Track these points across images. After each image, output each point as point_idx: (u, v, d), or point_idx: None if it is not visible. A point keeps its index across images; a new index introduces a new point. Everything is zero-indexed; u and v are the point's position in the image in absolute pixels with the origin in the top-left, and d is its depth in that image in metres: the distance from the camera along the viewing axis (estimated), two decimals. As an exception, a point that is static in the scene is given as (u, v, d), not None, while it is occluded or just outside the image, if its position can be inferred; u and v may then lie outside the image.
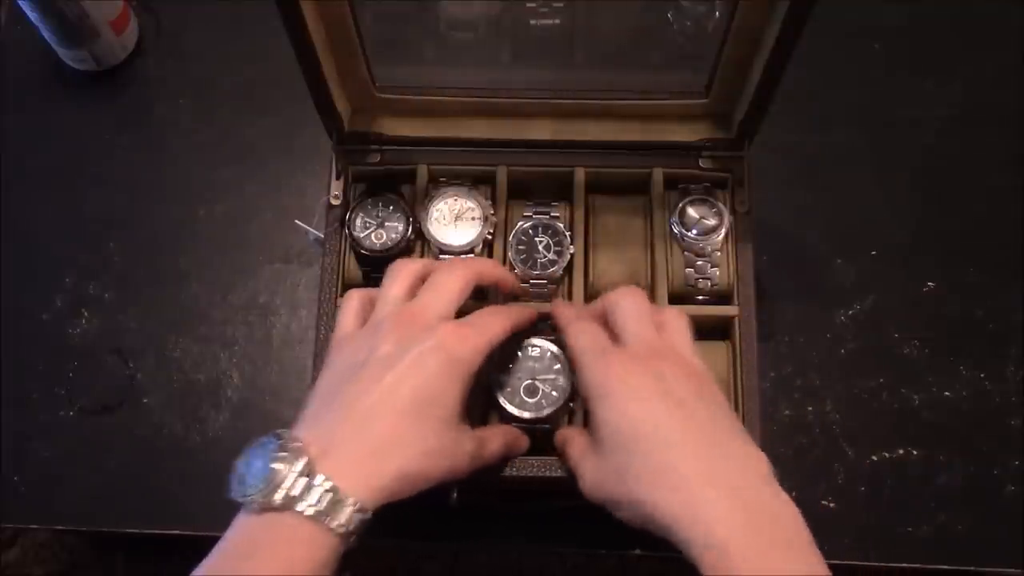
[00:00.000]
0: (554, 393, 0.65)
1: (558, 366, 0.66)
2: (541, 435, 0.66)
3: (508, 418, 0.65)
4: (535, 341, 0.66)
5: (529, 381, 0.66)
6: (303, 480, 0.50)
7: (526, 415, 0.65)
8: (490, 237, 0.70)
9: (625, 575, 0.74)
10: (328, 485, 0.50)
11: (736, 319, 0.69)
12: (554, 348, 0.66)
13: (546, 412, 0.65)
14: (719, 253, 0.70)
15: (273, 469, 0.50)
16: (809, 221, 0.82)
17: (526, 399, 0.65)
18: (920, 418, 0.76)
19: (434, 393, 0.55)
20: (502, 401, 0.65)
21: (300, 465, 0.50)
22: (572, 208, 0.72)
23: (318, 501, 0.50)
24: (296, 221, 0.80)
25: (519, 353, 0.66)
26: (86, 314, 0.80)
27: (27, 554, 0.75)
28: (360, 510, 0.51)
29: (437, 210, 0.71)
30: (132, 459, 0.76)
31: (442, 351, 0.56)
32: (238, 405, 0.77)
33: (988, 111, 0.85)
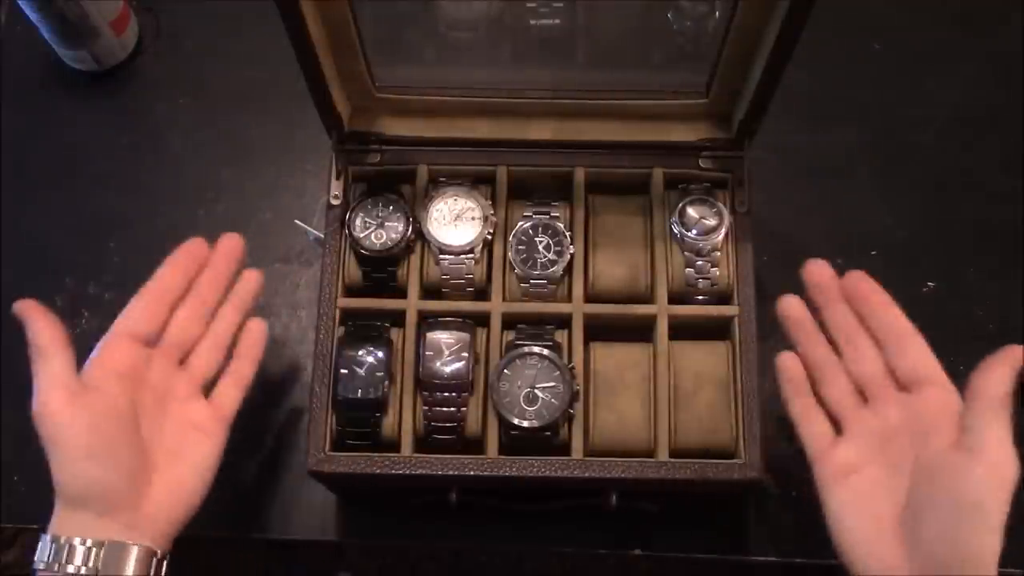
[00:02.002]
0: (554, 401, 0.65)
1: (557, 373, 0.66)
2: (542, 441, 0.66)
3: (508, 427, 0.65)
4: (534, 349, 0.66)
5: (528, 390, 0.66)
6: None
7: (526, 424, 0.65)
8: (490, 237, 0.70)
9: (625, 575, 0.74)
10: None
11: (736, 319, 0.69)
12: (552, 356, 0.66)
13: (547, 420, 0.65)
14: (719, 253, 0.70)
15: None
16: (809, 221, 0.82)
17: (526, 408, 0.65)
18: (920, 418, 0.76)
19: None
20: (502, 411, 0.65)
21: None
22: (572, 208, 0.72)
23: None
24: (296, 221, 0.80)
25: (517, 362, 0.66)
26: (86, 314, 0.80)
27: (27, 554, 0.75)
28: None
29: (437, 210, 0.71)
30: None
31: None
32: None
33: (988, 111, 0.85)
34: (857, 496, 0.57)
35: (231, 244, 0.68)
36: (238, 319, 0.67)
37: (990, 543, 0.50)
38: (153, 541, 0.58)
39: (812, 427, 0.61)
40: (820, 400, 0.62)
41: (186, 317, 0.65)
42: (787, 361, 0.63)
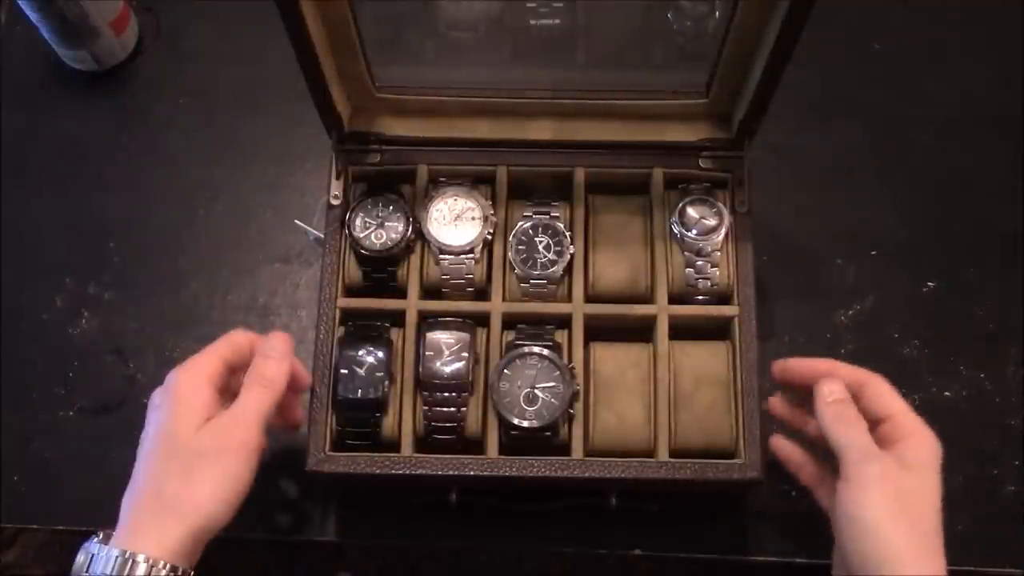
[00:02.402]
0: (554, 401, 0.65)
1: (557, 373, 0.66)
2: (542, 441, 0.66)
3: (508, 427, 0.65)
4: (534, 349, 0.66)
5: (528, 390, 0.66)
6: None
7: (526, 424, 0.65)
8: (490, 237, 0.70)
9: (625, 575, 0.74)
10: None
11: (736, 319, 0.69)
12: (552, 356, 0.66)
13: (547, 420, 0.65)
14: (719, 253, 0.70)
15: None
16: (809, 221, 0.82)
17: (526, 408, 0.65)
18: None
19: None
20: (502, 411, 0.65)
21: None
22: (572, 208, 0.72)
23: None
24: (296, 221, 0.80)
25: (517, 362, 0.66)
26: (86, 314, 0.80)
27: (27, 554, 0.75)
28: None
29: (437, 210, 0.71)
30: (132, 459, 0.76)
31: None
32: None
33: (988, 111, 0.85)
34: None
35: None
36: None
37: (891, 554, 0.54)
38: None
39: (824, 488, 0.64)
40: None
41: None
42: (779, 445, 0.68)
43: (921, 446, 0.59)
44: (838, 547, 0.59)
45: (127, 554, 0.55)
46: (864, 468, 0.57)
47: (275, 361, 0.62)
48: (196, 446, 0.58)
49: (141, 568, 0.54)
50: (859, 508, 0.56)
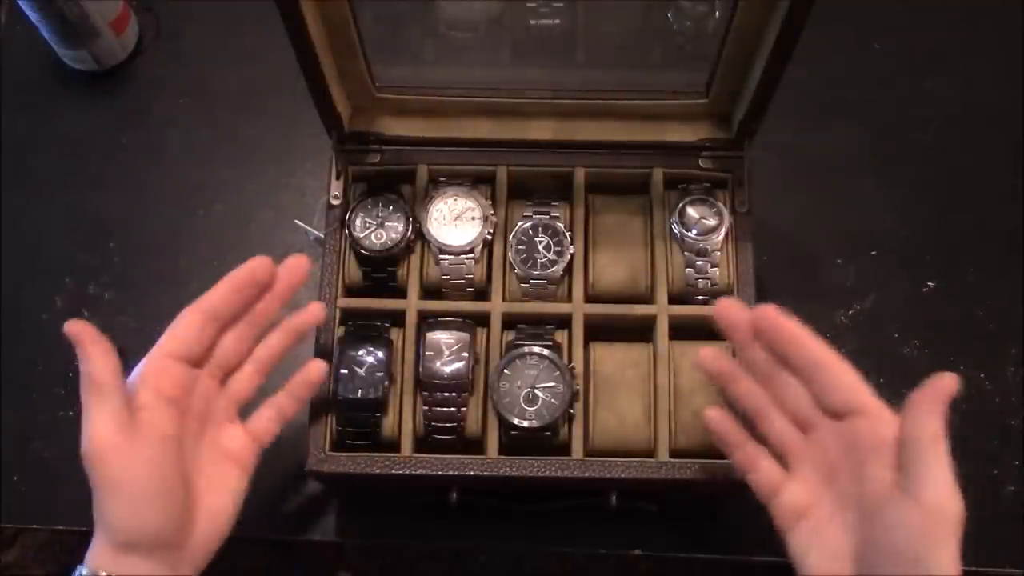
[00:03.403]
0: (554, 401, 0.65)
1: (557, 373, 0.66)
2: (541, 441, 0.66)
3: (508, 427, 0.65)
4: (534, 349, 0.66)
5: (528, 390, 0.66)
6: None
7: (526, 424, 0.65)
8: (490, 237, 0.70)
9: (625, 575, 0.74)
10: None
11: (736, 319, 0.69)
12: (552, 356, 0.66)
13: (547, 420, 0.65)
14: (719, 253, 0.70)
15: None
16: (809, 221, 0.82)
17: (526, 408, 0.65)
18: (920, 418, 0.76)
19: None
20: (502, 411, 0.65)
21: None
22: (572, 208, 0.72)
23: None
24: (296, 221, 0.80)
25: (517, 362, 0.66)
26: (86, 314, 0.80)
27: (27, 554, 0.75)
28: None
29: (437, 210, 0.71)
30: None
31: None
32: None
33: (988, 111, 0.85)
34: (814, 536, 0.54)
35: (298, 270, 0.62)
36: (287, 346, 0.63)
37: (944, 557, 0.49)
38: (195, 572, 0.56)
39: (758, 474, 0.57)
40: (763, 439, 0.58)
41: (236, 339, 0.61)
42: (714, 417, 0.60)
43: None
44: (869, 564, 0.52)
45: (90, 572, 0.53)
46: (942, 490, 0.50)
47: (80, 356, 0.57)
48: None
49: None
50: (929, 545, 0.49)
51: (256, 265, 0.61)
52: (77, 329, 0.56)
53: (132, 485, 0.54)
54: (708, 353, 0.60)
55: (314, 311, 0.63)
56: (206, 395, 0.60)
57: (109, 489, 0.54)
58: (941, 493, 0.50)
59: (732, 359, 0.61)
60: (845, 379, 0.55)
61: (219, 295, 0.60)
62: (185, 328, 0.59)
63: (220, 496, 0.58)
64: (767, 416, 0.58)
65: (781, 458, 0.58)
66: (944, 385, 0.53)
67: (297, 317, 0.63)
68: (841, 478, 0.54)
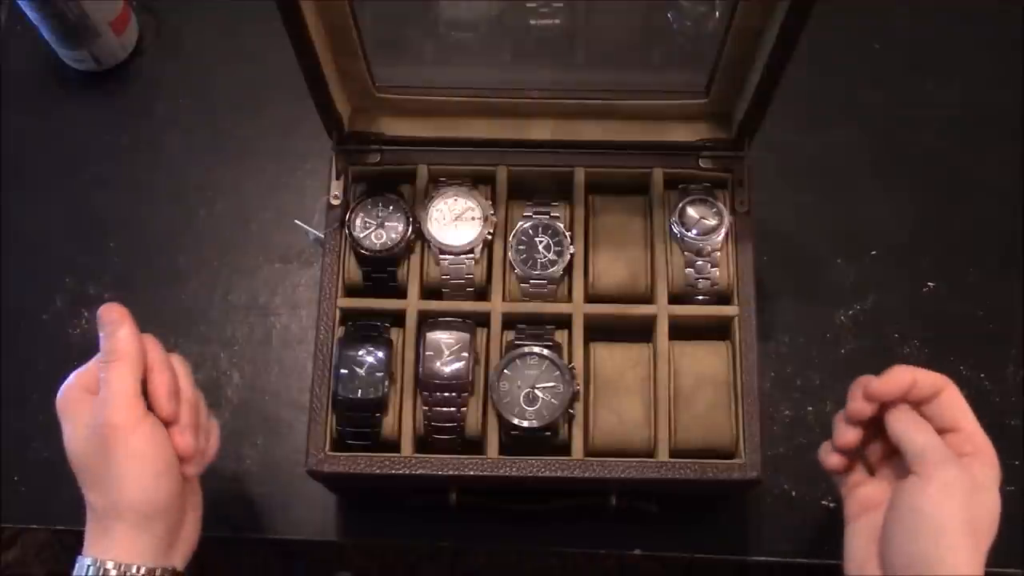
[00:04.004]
0: (554, 401, 0.65)
1: (557, 373, 0.66)
2: (541, 441, 0.66)
3: (508, 427, 0.65)
4: (534, 349, 0.66)
5: (528, 390, 0.66)
6: None
7: (526, 424, 0.65)
8: (490, 237, 0.70)
9: (625, 575, 0.74)
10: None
11: (736, 319, 0.69)
12: (552, 356, 0.66)
13: (547, 420, 0.65)
14: (719, 253, 0.70)
15: None
16: (809, 221, 0.82)
17: (526, 408, 0.65)
18: (920, 418, 0.76)
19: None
20: (502, 411, 0.65)
21: None
22: (572, 208, 0.72)
23: None
24: (296, 221, 0.80)
25: (517, 362, 0.66)
26: (86, 314, 0.80)
27: (27, 554, 0.75)
28: None
29: (437, 210, 0.71)
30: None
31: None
32: (238, 405, 0.77)
33: (988, 111, 0.85)
34: (867, 526, 0.58)
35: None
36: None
37: (950, 557, 0.53)
38: (182, 565, 0.59)
39: (847, 474, 0.61)
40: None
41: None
42: (831, 458, 0.62)
43: (986, 465, 0.57)
44: (886, 540, 0.56)
45: (97, 563, 0.55)
46: (945, 470, 0.55)
47: (109, 334, 0.59)
48: (81, 447, 0.57)
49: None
50: (934, 506, 0.54)
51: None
52: (115, 311, 0.59)
53: (156, 456, 0.56)
54: (831, 457, 0.62)
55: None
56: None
57: (134, 459, 0.56)
58: (950, 472, 0.55)
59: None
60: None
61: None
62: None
63: (196, 495, 0.61)
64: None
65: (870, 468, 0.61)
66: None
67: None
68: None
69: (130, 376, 0.57)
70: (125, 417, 0.56)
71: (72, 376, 0.60)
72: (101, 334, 0.59)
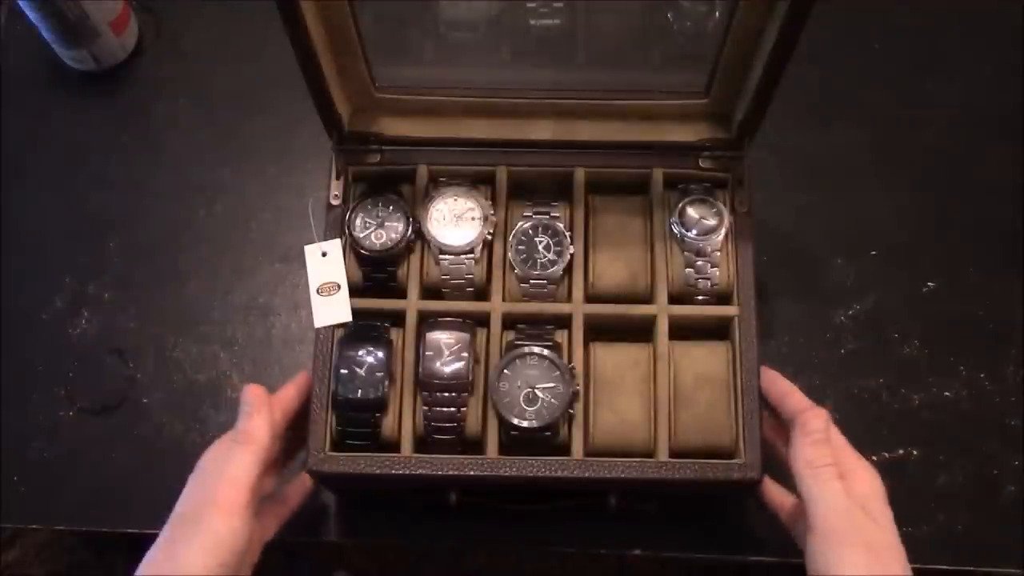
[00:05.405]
0: (554, 401, 0.65)
1: (557, 373, 0.66)
2: (542, 441, 0.66)
3: (508, 427, 0.65)
4: (534, 349, 0.66)
5: (528, 390, 0.66)
6: None
7: (526, 424, 0.65)
8: (490, 237, 0.70)
9: (625, 575, 0.74)
10: None
11: (736, 319, 0.69)
12: (552, 356, 0.66)
13: (547, 420, 0.65)
14: (719, 253, 0.70)
15: None
16: (809, 221, 0.82)
17: (526, 408, 0.65)
18: (920, 418, 0.76)
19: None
20: (502, 411, 0.65)
21: None
22: (572, 208, 0.72)
23: None
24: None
25: (517, 362, 0.66)
26: (86, 314, 0.80)
27: (27, 554, 0.75)
28: None
29: (437, 210, 0.71)
30: (132, 459, 0.76)
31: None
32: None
33: (988, 111, 0.85)
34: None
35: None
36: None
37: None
38: None
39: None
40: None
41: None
42: (771, 489, 0.67)
43: (865, 482, 0.60)
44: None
45: None
46: (836, 523, 0.57)
47: (246, 416, 0.62)
48: (179, 509, 0.59)
49: None
50: (835, 567, 0.56)
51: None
52: (255, 394, 0.62)
53: (230, 546, 0.57)
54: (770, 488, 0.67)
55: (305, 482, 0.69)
56: None
57: (209, 537, 0.57)
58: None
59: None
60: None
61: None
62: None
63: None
64: None
65: None
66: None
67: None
68: None
69: (249, 463, 0.59)
70: (226, 498, 0.58)
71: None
72: (240, 411, 0.62)
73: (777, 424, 0.66)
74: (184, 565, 0.55)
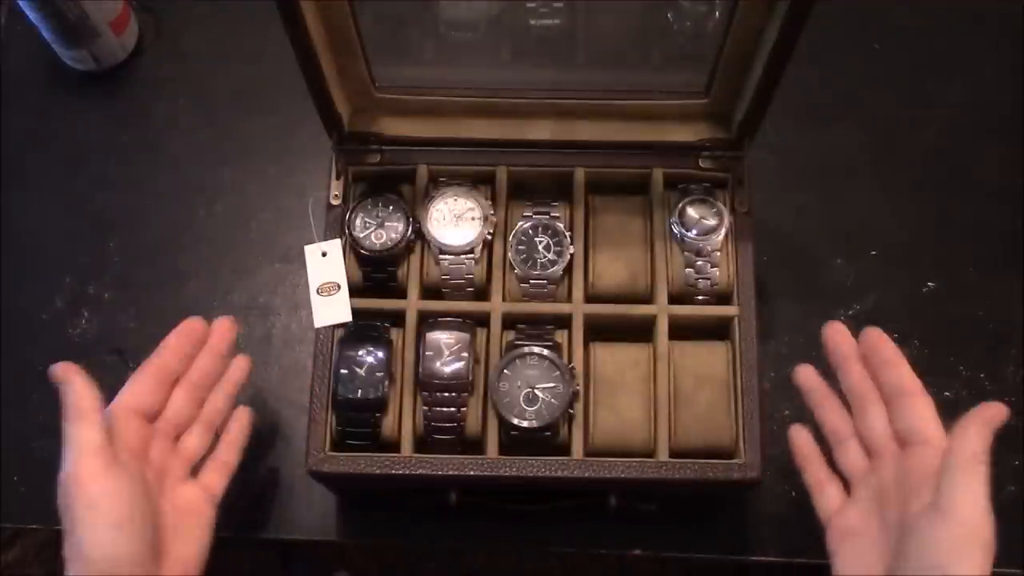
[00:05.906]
0: (554, 401, 0.65)
1: (557, 373, 0.66)
2: (542, 441, 0.66)
3: (508, 427, 0.65)
4: (534, 349, 0.66)
5: (528, 390, 0.66)
6: None
7: (526, 424, 0.65)
8: (490, 237, 0.70)
9: (625, 575, 0.74)
10: None
11: (736, 319, 0.69)
12: (552, 356, 0.66)
13: (547, 420, 0.65)
14: (719, 253, 0.70)
15: None
16: (809, 221, 0.82)
17: (526, 408, 0.65)
18: (920, 418, 0.76)
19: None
20: (502, 411, 0.65)
21: None
22: (572, 208, 0.72)
23: None
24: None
25: (517, 362, 0.66)
26: (86, 314, 0.80)
27: (27, 554, 0.75)
28: None
29: (437, 210, 0.71)
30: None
31: None
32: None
33: (988, 111, 0.85)
34: (856, 555, 0.58)
35: (225, 327, 0.68)
36: (228, 404, 0.67)
37: None
38: None
39: (823, 497, 0.61)
40: (835, 462, 0.62)
41: (182, 398, 0.64)
42: (798, 435, 0.64)
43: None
44: (899, 558, 0.54)
45: None
46: (979, 521, 0.54)
47: (64, 393, 0.58)
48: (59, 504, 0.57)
49: None
50: (963, 566, 0.53)
51: (189, 324, 0.66)
52: (63, 369, 0.59)
53: (112, 508, 0.55)
54: (805, 370, 0.64)
55: (240, 364, 0.68)
56: (163, 451, 0.62)
57: (91, 511, 0.55)
58: (974, 513, 0.53)
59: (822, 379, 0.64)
60: (922, 409, 0.59)
61: (161, 353, 0.64)
62: (138, 384, 0.62)
63: (187, 545, 0.60)
64: (845, 442, 0.61)
65: (847, 481, 0.61)
66: (992, 412, 0.56)
67: (229, 372, 0.67)
68: (890, 504, 0.57)
69: (88, 430, 0.56)
70: (84, 468, 0.56)
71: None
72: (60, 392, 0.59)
73: (825, 395, 0.63)
74: (88, 541, 0.54)
